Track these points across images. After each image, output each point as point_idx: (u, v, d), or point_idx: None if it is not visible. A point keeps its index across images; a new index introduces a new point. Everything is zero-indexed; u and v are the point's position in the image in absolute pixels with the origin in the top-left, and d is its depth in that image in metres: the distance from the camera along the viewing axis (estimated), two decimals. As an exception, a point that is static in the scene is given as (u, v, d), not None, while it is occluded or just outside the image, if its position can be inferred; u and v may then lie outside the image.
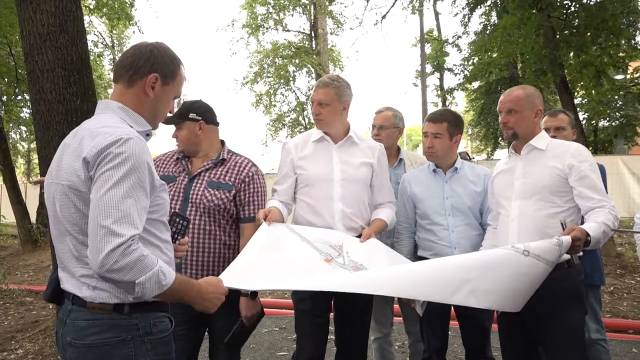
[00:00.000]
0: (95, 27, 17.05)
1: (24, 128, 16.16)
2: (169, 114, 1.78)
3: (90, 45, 10.40)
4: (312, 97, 2.69)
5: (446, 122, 2.68)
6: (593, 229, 2.02)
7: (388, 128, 3.21)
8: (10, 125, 14.69)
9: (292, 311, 2.78)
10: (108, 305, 1.51)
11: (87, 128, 1.56)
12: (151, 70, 1.63)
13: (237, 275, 2.10)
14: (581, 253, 2.30)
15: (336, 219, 2.61)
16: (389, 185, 2.84)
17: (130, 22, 13.45)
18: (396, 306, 3.44)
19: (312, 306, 2.55)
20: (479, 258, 2.07)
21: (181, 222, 1.79)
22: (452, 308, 2.69)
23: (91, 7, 12.17)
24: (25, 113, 14.01)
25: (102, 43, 17.45)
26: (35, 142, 5.19)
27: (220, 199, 2.48)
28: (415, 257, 2.81)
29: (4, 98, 12.75)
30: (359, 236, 2.60)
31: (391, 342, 3.31)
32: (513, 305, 2.04)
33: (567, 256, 2.06)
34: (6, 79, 12.04)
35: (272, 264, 2.26)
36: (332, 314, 2.72)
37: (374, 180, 2.73)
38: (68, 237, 1.54)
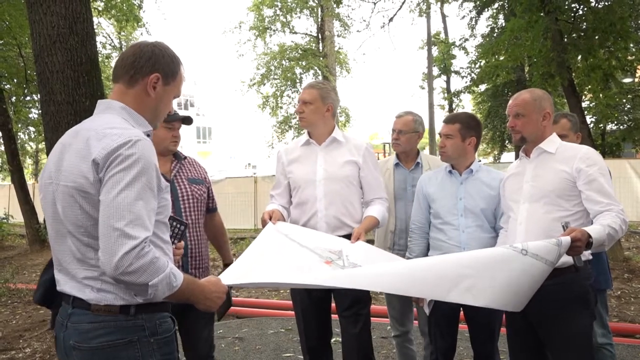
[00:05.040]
0: (104, 29, 17.15)
1: (32, 128, 16.24)
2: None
3: (98, 46, 10.43)
4: (298, 98, 2.81)
5: (458, 124, 2.72)
6: (595, 231, 1.99)
7: (407, 133, 3.20)
8: (19, 125, 14.80)
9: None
10: (114, 307, 1.50)
11: (90, 128, 1.54)
12: (153, 70, 1.62)
13: (236, 274, 2.15)
14: (590, 257, 2.29)
15: (319, 216, 2.69)
16: (378, 181, 2.84)
17: (139, 24, 13.56)
18: None
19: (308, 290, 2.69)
20: (476, 256, 2.05)
21: (178, 226, 1.78)
22: (462, 310, 2.69)
23: (100, 8, 12.27)
24: (34, 114, 14.10)
25: (110, 44, 17.54)
26: (43, 143, 5.22)
27: (204, 192, 2.73)
28: None
29: (13, 99, 12.84)
30: (349, 236, 2.61)
31: (412, 340, 3.31)
32: (512, 305, 2.01)
33: (570, 259, 2.03)
34: (15, 80, 12.13)
35: (272, 263, 2.32)
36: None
37: (362, 178, 2.77)
38: (70, 238, 1.52)
